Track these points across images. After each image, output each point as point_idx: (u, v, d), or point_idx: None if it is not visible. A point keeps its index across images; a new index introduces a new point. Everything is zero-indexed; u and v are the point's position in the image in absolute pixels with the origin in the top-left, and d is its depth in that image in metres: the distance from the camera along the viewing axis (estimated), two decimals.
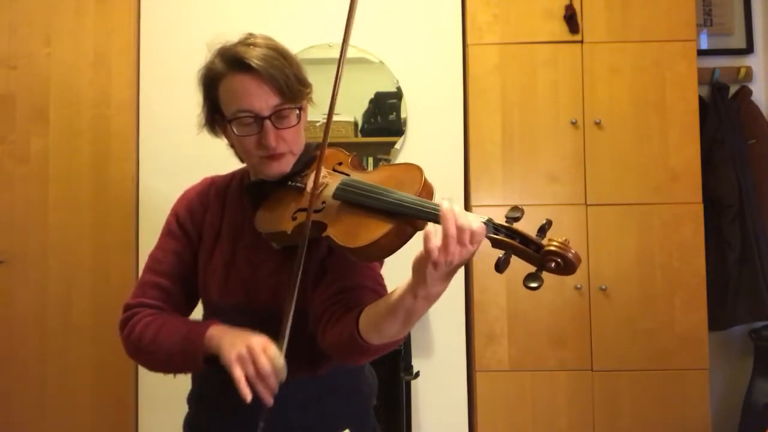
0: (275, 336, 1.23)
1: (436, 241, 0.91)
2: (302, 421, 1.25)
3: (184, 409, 1.37)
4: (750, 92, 2.81)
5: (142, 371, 2.50)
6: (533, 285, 0.89)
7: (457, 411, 2.52)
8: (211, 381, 1.27)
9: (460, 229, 0.91)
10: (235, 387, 1.03)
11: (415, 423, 2.49)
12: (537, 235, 0.91)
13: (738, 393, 2.74)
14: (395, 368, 2.27)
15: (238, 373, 1.05)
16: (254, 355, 1.05)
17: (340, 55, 1.12)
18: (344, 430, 1.26)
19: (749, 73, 2.85)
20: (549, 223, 0.92)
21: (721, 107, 2.73)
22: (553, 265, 0.88)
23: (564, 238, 0.89)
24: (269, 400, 1.06)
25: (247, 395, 1.04)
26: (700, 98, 2.63)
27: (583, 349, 2.45)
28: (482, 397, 2.45)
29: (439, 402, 2.52)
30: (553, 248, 0.88)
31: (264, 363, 1.05)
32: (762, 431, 2.41)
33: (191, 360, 1.17)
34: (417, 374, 2.37)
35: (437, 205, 0.96)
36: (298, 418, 1.25)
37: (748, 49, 2.90)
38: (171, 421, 1.53)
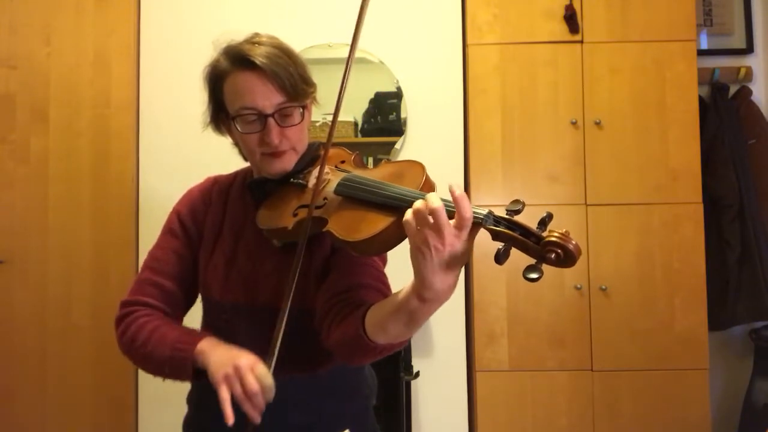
0: (273, 333, 1.23)
1: (410, 218, 0.89)
2: (302, 421, 1.25)
3: (184, 409, 1.37)
4: (750, 92, 2.82)
5: (143, 371, 2.50)
6: (533, 276, 0.88)
7: (457, 411, 2.52)
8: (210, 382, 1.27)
9: (432, 211, 0.87)
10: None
11: (415, 423, 2.49)
12: (537, 228, 0.91)
13: (738, 393, 2.74)
14: (395, 368, 2.27)
15: (225, 394, 1.05)
16: (241, 374, 1.05)
17: (348, 57, 1.12)
18: (344, 430, 1.26)
19: (749, 73, 2.85)
20: (550, 216, 0.91)
21: (721, 107, 2.74)
22: (553, 256, 0.87)
23: (564, 230, 0.88)
24: (256, 418, 1.05)
25: (230, 418, 1.03)
26: (700, 98, 2.64)
27: (582, 349, 2.45)
28: (482, 397, 2.45)
29: (439, 402, 2.52)
30: (553, 239, 0.87)
31: (251, 382, 1.04)
32: (762, 431, 2.41)
33: (180, 372, 1.17)
34: (417, 374, 2.37)
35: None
36: (298, 418, 1.25)
37: (748, 49, 2.91)
38: (171, 421, 1.53)
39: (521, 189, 2.48)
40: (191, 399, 1.37)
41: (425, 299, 0.92)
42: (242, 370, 1.05)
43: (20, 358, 2.49)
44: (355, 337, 1.05)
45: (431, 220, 0.87)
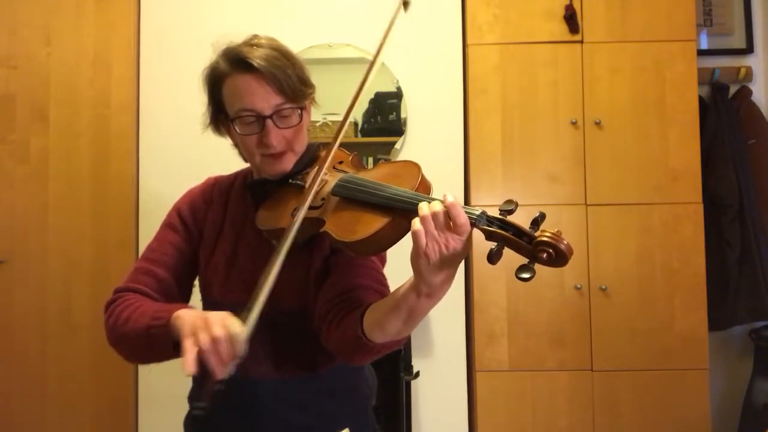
0: (273, 333, 1.23)
1: (419, 227, 0.91)
2: (301, 420, 1.25)
3: (184, 408, 1.37)
4: (750, 92, 2.81)
5: (142, 371, 2.50)
6: (525, 276, 0.89)
7: (457, 411, 2.52)
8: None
9: (435, 214, 0.91)
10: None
11: (415, 423, 2.49)
12: (530, 228, 0.92)
13: (738, 393, 2.74)
14: (395, 368, 2.27)
15: (188, 344, 0.98)
16: (209, 323, 0.99)
17: (371, 63, 1.14)
18: (343, 430, 1.26)
19: (749, 73, 2.85)
20: (542, 215, 0.92)
21: (721, 107, 2.74)
22: (545, 255, 0.88)
23: (556, 230, 0.89)
24: (220, 371, 0.97)
25: (190, 367, 0.96)
26: (700, 98, 2.64)
27: (583, 349, 2.45)
28: (482, 397, 2.45)
29: (439, 402, 2.52)
30: (545, 239, 0.88)
31: (218, 330, 0.98)
32: (762, 431, 2.41)
33: (157, 342, 1.11)
34: (417, 374, 2.37)
35: (433, 199, 0.96)
36: (298, 418, 1.25)
37: (748, 49, 2.91)
38: (171, 421, 1.53)
39: (521, 189, 2.48)
40: (192, 398, 1.37)
41: (424, 295, 0.96)
42: (210, 320, 1.00)
43: (20, 358, 2.49)
44: (354, 338, 1.06)
45: (434, 224, 0.91)
